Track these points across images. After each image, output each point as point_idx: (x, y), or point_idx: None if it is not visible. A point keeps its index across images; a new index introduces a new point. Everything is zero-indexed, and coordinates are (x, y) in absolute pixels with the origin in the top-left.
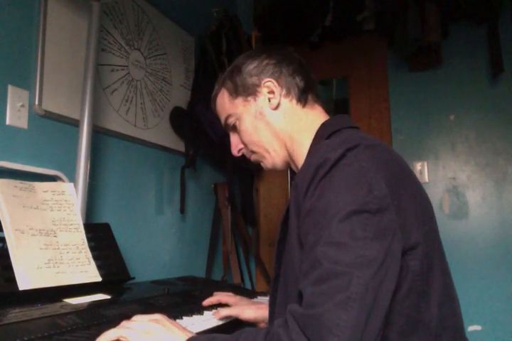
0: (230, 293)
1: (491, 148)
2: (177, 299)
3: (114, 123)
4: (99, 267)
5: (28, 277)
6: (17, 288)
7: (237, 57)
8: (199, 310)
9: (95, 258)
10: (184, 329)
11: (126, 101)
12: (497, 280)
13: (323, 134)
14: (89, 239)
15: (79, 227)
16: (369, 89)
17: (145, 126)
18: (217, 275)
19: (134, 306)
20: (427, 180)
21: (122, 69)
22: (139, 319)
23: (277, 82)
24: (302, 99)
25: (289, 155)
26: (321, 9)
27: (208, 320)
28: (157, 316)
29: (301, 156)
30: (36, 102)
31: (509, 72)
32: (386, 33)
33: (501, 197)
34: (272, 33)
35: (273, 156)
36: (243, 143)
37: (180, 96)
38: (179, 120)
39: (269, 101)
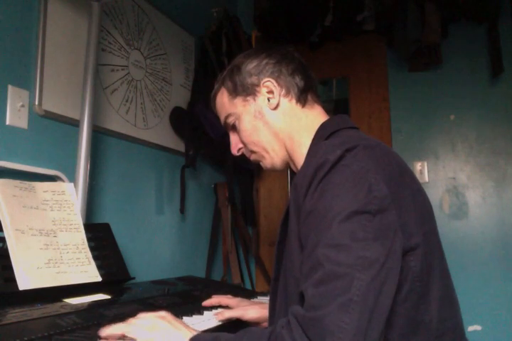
0: (229, 296)
1: (491, 148)
2: (177, 299)
3: (114, 123)
4: (99, 267)
5: (28, 277)
6: (17, 288)
7: (237, 56)
8: (199, 310)
9: (95, 258)
10: (188, 327)
11: (126, 101)
12: (497, 280)
13: (322, 134)
14: (89, 239)
15: (79, 227)
16: (369, 89)
17: (145, 126)
18: (217, 275)
19: (134, 306)
20: (427, 180)
21: (122, 69)
22: (144, 315)
23: (276, 81)
24: (302, 99)
25: (289, 155)
26: (321, 9)
27: (208, 320)
28: (163, 313)
29: (300, 156)
30: (36, 102)
31: (509, 72)
32: (386, 33)
33: (501, 197)
34: (272, 33)
35: (272, 156)
36: (242, 142)
37: (180, 96)
38: (179, 120)
39: (269, 101)
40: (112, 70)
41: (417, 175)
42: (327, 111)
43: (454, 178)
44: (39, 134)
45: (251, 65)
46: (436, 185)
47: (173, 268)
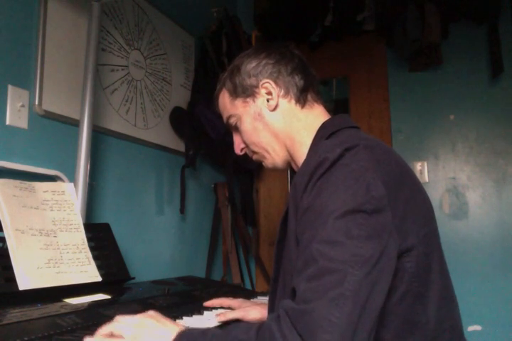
0: (230, 298)
1: (491, 148)
2: (177, 299)
3: (114, 123)
4: (99, 267)
5: (28, 277)
6: (17, 288)
7: (238, 55)
8: (199, 310)
9: (95, 258)
10: (176, 323)
11: (126, 101)
12: (497, 280)
13: (323, 134)
14: (89, 239)
15: (79, 227)
16: (369, 89)
17: (145, 126)
18: (217, 275)
19: (134, 306)
20: (427, 180)
21: (122, 69)
22: (130, 316)
23: (275, 82)
24: (301, 99)
25: (290, 155)
26: (321, 9)
27: (208, 320)
28: (151, 312)
29: (301, 156)
30: (36, 102)
31: (509, 72)
32: (386, 33)
33: (501, 197)
34: (272, 32)
35: (273, 156)
36: (244, 143)
37: (180, 96)
38: (179, 120)
39: (268, 102)
40: (112, 70)
41: (417, 175)
42: (328, 110)
43: (454, 178)
44: (39, 134)
45: (250, 66)
46: (436, 185)
47: (173, 268)
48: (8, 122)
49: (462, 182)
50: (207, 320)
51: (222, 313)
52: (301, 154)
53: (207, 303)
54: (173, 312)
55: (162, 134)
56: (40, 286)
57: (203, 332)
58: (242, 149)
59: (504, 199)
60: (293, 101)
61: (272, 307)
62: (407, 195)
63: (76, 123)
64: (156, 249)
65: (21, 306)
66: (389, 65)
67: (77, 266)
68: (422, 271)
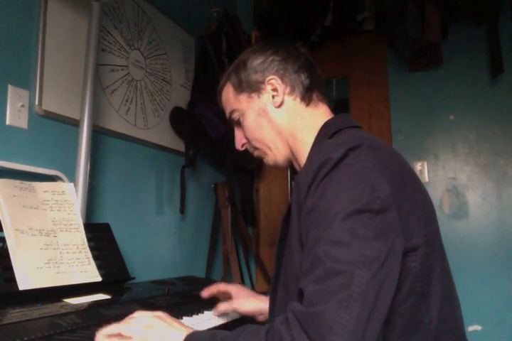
0: (226, 283)
1: (491, 148)
2: (177, 299)
3: (114, 123)
4: (99, 267)
5: (28, 277)
6: (17, 288)
7: (244, 51)
8: (199, 310)
9: (95, 258)
10: (185, 325)
11: (126, 101)
12: (497, 280)
13: (325, 133)
14: (89, 239)
15: (79, 227)
16: (369, 89)
17: (145, 126)
18: (217, 275)
19: (134, 306)
20: (427, 180)
21: (122, 69)
22: (141, 314)
23: (281, 79)
24: (306, 98)
25: (292, 153)
26: (321, 9)
27: (208, 320)
28: (159, 313)
29: (303, 155)
30: (36, 102)
31: (509, 72)
32: (386, 33)
33: (501, 197)
34: (272, 32)
35: (275, 153)
36: (246, 138)
37: (180, 96)
38: (179, 120)
39: (273, 98)
40: (112, 70)
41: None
42: (332, 109)
43: (454, 178)
44: (39, 134)
45: (256, 62)
46: (436, 185)
47: (173, 268)
48: (8, 122)
49: (462, 182)
50: (207, 319)
51: (218, 307)
52: (304, 153)
53: (204, 293)
54: (173, 312)
55: (162, 134)
56: (40, 286)
57: (212, 335)
58: (243, 145)
59: (504, 199)
60: (298, 99)
61: (272, 305)
62: (410, 194)
63: (76, 123)
64: (156, 249)
65: (21, 306)
66: (389, 65)
67: (77, 266)
68: (425, 270)
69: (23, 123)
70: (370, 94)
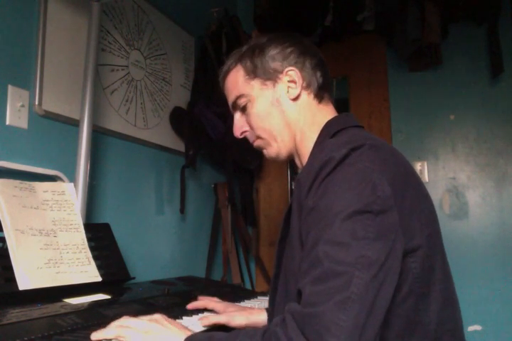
0: (215, 298)
1: (491, 148)
2: (177, 299)
3: (114, 123)
4: (99, 267)
5: (28, 277)
6: (17, 288)
7: (257, 39)
8: (199, 310)
9: (95, 258)
10: (183, 327)
11: (126, 101)
12: (497, 280)
13: (328, 132)
14: (89, 239)
15: (79, 227)
16: (369, 89)
17: (145, 126)
18: (217, 275)
19: (134, 306)
20: (427, 180)
21: (122, 69)
22: (140, 317)
23: (300, 72)
24: (319, 95)
25: (296, 148)
26: (321, 9)
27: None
28: (156, 316)
29: (307, 151)
30: (36, 102)
31: (509, 72)
32: (386, 33)
33: (501, 197)
34: (272, 32)
35: (279, 146)
36: (250, 126)
37: (180, 96)
38: (179, 120)
39: (288, 90)
40: (112, 70)
41: None
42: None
43: (454, 178)
44: (39, 134)
45: (275, 50)
46: (436, 185)
47: (173, 268)
48: (8, 122)
49: (462, 182)
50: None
51: (205, 317)
52: (308, 149)
53: (190, 306)
54: (173, 312)
55: (162, 134)
56: (40, 286)
57: (209, 337)
58: (243, 132)
59: (504, 199)
60: (312, 95)
61: (272, 304)
62: (412, 195)
63: (76, 123)
64: (156, 249)
65: (21, 306)
66: (389, 65)
67: (77, 266)
68: (425, 271)
69: (23, 123)
70: (370, 94)
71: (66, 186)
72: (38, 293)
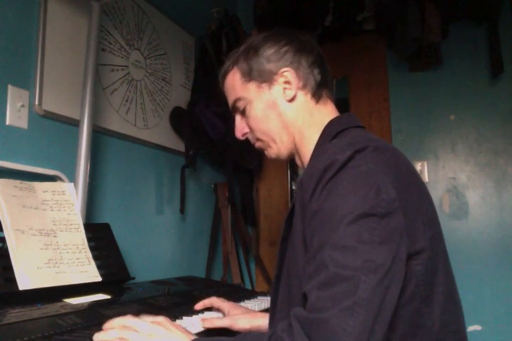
0: (222, 299)
1: (491, 148)
2: (177, 299)
3: (114, 123)
4: (99, 267)
5: (28, 277)
6: (17, 288)
7: (254, 37)
8: (199, 310)
9: (95, 258)
10: (186, 331)
11: (126, 101)
12: (497, 280)
13: (329, 133)
14: (89, 239)
15: (79, 227)
16: (369, 89)
17: (145, 126)
18: (217, 275)
19: (134, 306)
20: (427, 180)
21: (122, 69)
22: (143, 318)
23: (296, 72)
24: (317, 94)
25: (296, 148)
26: (321, 9)
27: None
28: (160, 319)
29: (308, 152)
30: (36, 102)
31: (509, 72)
32: (386, 33)
33: (501, 197)
34: None
35: (279, 147)
36: (249, 128)
37: (180, 96)
38: (179, 120)
39: (285, 91)
40: (112, 70)
41: None
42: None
43: (454, 178)
44: (39, 134)
45: (270, 51)
46: (436, 185)
47: (173, 268)
48: (8, 122)
49: (462, 182)
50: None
51: (209, 319)
52: (308, 150)
53: (197, 306)
54: (173, 312)
55: (162, 134)
56: (40, 286)
57: None
58: (244, 134)
59: (504, 199)
60: (309, 95)
61: (274, 305)
62: (415, 196)
63: (76, 123)
64: (156, 249)
65: (21, 306)
66: (389, 65)
67: (77, 266)
68: (428, 274)
69: (23, 123)
70: (370, 94)
71: (66, 186)
72: (38, 293)
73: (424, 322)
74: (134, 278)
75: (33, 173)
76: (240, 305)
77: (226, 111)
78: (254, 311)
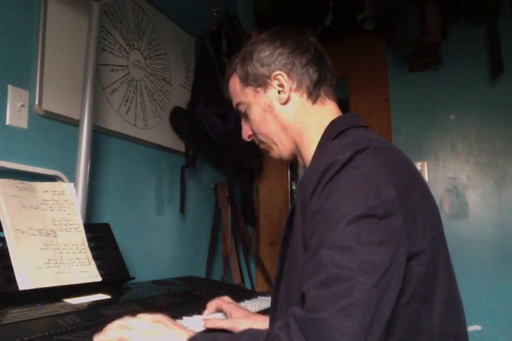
0: (227, 298)
1: (491, 148)
2: (177, 299)
3: (114, 123)
4: (99, 267)
5: (28, 277)
6: (17, 288)
7: (253, 39)
8: (199, 310)
9: (95, 258)
10: (185, 329)
11: (126, 101)
12: (497, 280)
13: (331, 133)
14: (89, 239)
15: (79, 227)
16: (369, 89)
17: (145, 126)
18: (217, 275)
19: (134, 306)
20: (427, 180)
21: (122, 69)
22: (142, 317)
23: (288, 75)
24: (313, 94)
25: (297, 148)
26: (321, 9)
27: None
28: (159, 317)
29: (309, 152)
30: (36, 102)
31: (509, 72)
32: (386, 33)
33: (501, 197)
34: None
35: (280, 149)
36: (252, 131)
37: (180, 96)
38: (179, 120)
39: (279, 94)
40: (112, 70)
41: None
42: (340, 106)
43: (454, 178)
44: (39, 134)
45: (263, 54)
46: (436, 185)
47: (173, 268)
48: (8, 122)
49: (462, 182)
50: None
51: (211, 320)
52: (309, 150)
53: (207, 311)
54: (173, 312)
55: (162, 134)
56: (40, 286)
57: (212, 338)
58: (249, 136)
59: (504, 199)
60: (305, 96)
61: (274, 305)
62: (416, 197)
63: (76, 123)
64: (156, 249)
65: (21, 306)
66: (389, 65)
67: (77, 266)
68: (429, 275)
69: (23, 123)
70: (370, 94)
71: (66, 186)
72: (38, 293)
73: (424, 324)
74: (134, 278)
75: (33, 173)
76: (242, 308)
77: (226, 111)
78: (256, 315)
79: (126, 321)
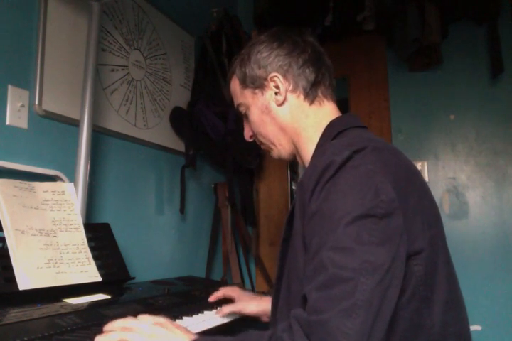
0: (235, 288)
1: (491, 148)
2: (177, 299)
3: (114, 123)
4: (99, 267)
5: (28, 277)
6: (17, 288)
7: (252, 41)
8: (199, 310)
9: (95, 258)
10: (187, 331)
11: (126, 101)
12: (497, 280)
13: (330, 133)
14: (89, 239)
15: (79, 227)
16: (369, 89)
17: (145, 126)
18: (217, 275)
19: (134, 306)
20: (427, 180)
21: (122, 69)
22: (143, 319)
23: (284, 77)
24: (310, 95)
25: (296, 149)
26: (321, 9)
27: (208, 320)
28: (161, 319)
29: (308, 152)
30: (36, 102)
31: (509, 72)
32: (386, 33)
33: (501, 197)
34: None
35: (279, 149)
36: (252, 131)
37: (180, 96)
38: (179, 120)
39: (276, 95)
40: (112, 70)
41: None
42: (339, 106)
43: (454, 178)
44: (39, 134)
45: (260, 56)
46: (436, 185)
47: (173, 268)
48: (8, 122)
49: (462, 182)
50: (207, 319)
51: (220, 309)
52: (308, 151)
53: (211, 298)
54: (173, 312)
55: (162, 134)
56: (40, 286)
57: None
58: (251, 136)
59: (504, 199)
60: (301, 97)
61: (275, 305)
62: (415, 197)
63: (76, 123)
64: (156, 249)
65: (21, 306)
66: (389, 65)
67: (77, 266)
68: (428, 274)
69: (23, 123)
70: (370, 94)
71: (66, 186)
72: (38, 293)
73: (424, 323)
74: (134, 278)
75: (33, 173)
76: (248, 292)
77: (226, 111)
78: (261, 296)
79: (127, 322)
